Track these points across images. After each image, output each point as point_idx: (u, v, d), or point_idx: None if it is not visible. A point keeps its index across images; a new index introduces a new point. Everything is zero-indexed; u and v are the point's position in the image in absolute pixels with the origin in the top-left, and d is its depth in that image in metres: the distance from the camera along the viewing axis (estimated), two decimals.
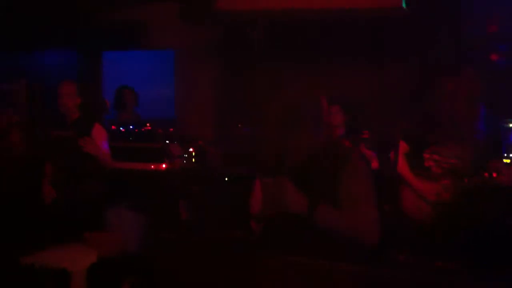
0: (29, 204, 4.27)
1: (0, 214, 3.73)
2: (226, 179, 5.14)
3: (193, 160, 5.27)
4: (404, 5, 4.82)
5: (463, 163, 3.55)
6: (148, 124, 5.20)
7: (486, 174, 3.52)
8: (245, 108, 5.89)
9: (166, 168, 4.98)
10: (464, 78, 3.57)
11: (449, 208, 3.50)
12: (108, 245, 2.43)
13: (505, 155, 4.06)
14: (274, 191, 2.30)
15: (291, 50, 5.86)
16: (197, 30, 5.85)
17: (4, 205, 4.10)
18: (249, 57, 5.90)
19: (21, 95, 5.55)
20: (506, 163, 3.89)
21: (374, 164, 4.93)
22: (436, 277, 1.93)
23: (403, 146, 3.83)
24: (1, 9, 5.00)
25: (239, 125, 5.74)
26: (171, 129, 5.32)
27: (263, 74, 5.97)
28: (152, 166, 4.95)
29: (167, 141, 5.18)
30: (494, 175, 3.50)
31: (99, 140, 4.34)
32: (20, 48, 5.69)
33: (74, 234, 2.94)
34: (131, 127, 5.17)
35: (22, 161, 4.70)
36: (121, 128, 5.17)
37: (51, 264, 2.11)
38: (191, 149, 5.28)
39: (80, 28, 5.71)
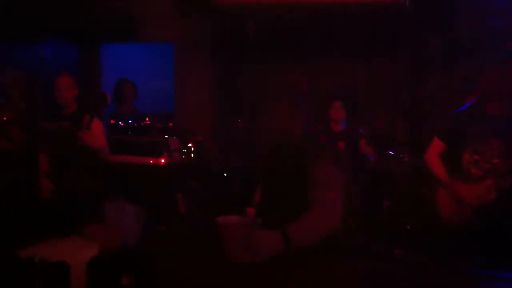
0: (26, 198, 4.24)
1: None
2: (226, 174, 5.12)
3: (192, 154, 5.24)
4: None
5: (504, 163, 3.38)
6: (147, 119, 5.17)
7: None
8: (244, 102, 5.87)
9: (165, 162, 4.95)
10: (503, 75, 3.42)
11: (492, 211, 3.30)
12: (107, 239, 2.41)
13: None
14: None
15: (290, 43, 5.83)
16: (196, 23, 5.81)
17: (2, 199, 4.08)
18: (248, 51, 5.87)
19: (17, 88, 5.51)
20: None
21: (374, 160, 4.92)
22: None
23: (438, 145, 3.58)
24: (3, 2, 4.96)
25: (239, 120, 5.72)
26: (170, 124, 5.29)
27: (261, 68, 5.95)
28: (151, 161, 4.92)
29: (166, 136, 5.15)
30: None
31: (97, 133, 4.31)
32: (17, 40, 5.64)
33: (73, 228, 2.92)
34: (130, 121, 5.15)
35: (19, 155, 4.67)
36: (120, 122, 5.14)
37: (51, 257, 2.08)
38: (190, 144, 5.25)
39: (78, 21, 5.66)
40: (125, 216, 2.84)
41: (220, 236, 2.49)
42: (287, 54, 5.89)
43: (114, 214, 2.84)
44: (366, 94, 5.72)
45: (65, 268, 2.08)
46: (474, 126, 3.42)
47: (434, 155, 3.57)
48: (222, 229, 2.43)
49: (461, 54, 5.19)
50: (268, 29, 5.49)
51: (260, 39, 5.45)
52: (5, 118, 4.59)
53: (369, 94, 5.73)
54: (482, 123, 3.41)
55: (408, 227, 3.84)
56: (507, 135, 3.39)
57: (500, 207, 3.28)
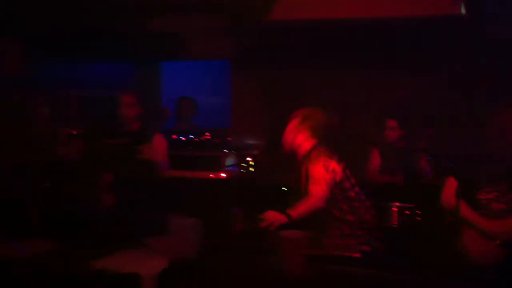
0: (89, 211, 4.39)
1: (63, 222, 3.84)
2: (284, 188, 5.14)
3: (250, 169, 5.31)
4: (463, 11, 4.71)
5: None
6: (207, 133, 5.28)
7: None
8: None
9: (224, 177, 5.03)
10: None
11: None
12: (172, 251, 2.49)
13: None
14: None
15: (343, 59, 5.85)
16: (251, 39, 5.90)
17: (66, 212, 4.23)
18: (301, 66, 5.92)
19: (81, 105, 5.71)
20: None
21: (428, 175, 4.80)
22: None
23: (453, 184, 3.44)
24: (62, 21, 5.15)
25: None
26: (229, 139, 5.38)
27: (315, 83, 5.99)
28: (211, 175, 5.01)
29: (225, 150, 5.24)
30: None
31: (160, 149, 4.44)
32: (81, 59, 5.85)
33: (138, 240, 3.01)
34: (190, 136, 5.27)
35: (81, 170, 4.83)
36: (181, 137, 5.27)
37: (123, 268, 2.16)
38: (248, 158, 5.32)
39: (139, 40, 5.85)
40: (188, 229, 2.92)
41: (282, 249, 2.52)
42: (341, 69, 5.92)
43: (177, 227, 2.92)
44: (419, 107, 5.67)
45: (137, 279, 2.15)
46: (491, 163, 3.31)
47: (451, 195, 3.42)
48: (285, 243, 2.46)
49: None
50: (321, 44, 5.53)
51: (313, 55, 5.50)
52: (74, 133, 4.78)
53: (422, 108, 5.67)
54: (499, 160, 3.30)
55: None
56: None
57: None
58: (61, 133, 4.77)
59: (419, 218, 4.27)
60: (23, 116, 2.94)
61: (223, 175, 4.98)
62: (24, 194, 2.39)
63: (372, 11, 4.80)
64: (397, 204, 4.34)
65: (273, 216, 3.32)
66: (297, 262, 2.41)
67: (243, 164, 5.31)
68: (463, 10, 4.68)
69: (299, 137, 3.69)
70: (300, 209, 3.43)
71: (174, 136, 5.30)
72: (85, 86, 5.70)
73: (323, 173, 3.49)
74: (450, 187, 3.45)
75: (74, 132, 4.88)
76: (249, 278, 2.67)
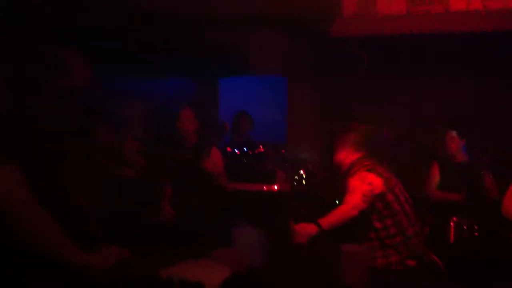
0: (151, 222, 4.53)
1: (127, 232, 3.98)
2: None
3: (303, 182, 5.35)
4: None
5: None
6: (261, 146, 5.38)
7: None
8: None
9: (277, 189, 5.10)
10: None
11: None
12: (236, 262, 2.56)
13: None
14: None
15: (401, 74, 5.85)
16: (308, 54, 5.99)
17: (130, 223, 4.37)
18: (358, 82, 5.94)
19: (139, 119, 5.88)
20: None
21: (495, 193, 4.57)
22: None
23: None
24: (125, 34, 5.35)
25: None
26: (283, 151, 5.46)
27: (371, 99, 6.00)
28: (265, 187, 5.09)
29: (279, 163, 5.32)
30: None
31: (216, 161, 4.57)
32: (139, 74, 6.06)
33: (201, 251, 3.10)
34: (245, 149, 5.38)
35: (141, 182, 4.98)
36: (236, 150, 5.38)
37: (188, 278, 2.26)
38: (301, 171, 5.37)
39: (197, 56, 6.01)
40: (252, 240, 2.99)
41: (341, 263, 2.55)
42: (399, 84, 5.92)
43: (241, 238, 3.00)
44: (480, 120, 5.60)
45: None
46: None
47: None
48: (346, 257, 2.49)
49: None
50: (379, 60, 5.56)
51: (371, 70, 5.52)
52: (131, 147, 4.95)
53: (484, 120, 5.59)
54: None
55: None
56: None
57: None
58: (125, 145, 4.96)
59: (477, 234, 4.21)
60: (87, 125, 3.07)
61: (275, 187, 5.05)
62: (89, 204, 2.52)
63: (433, 25, 4.82)
64: (454, 219, 4.28)
65: (302, 229, 3.32)
66: (359, 275, 2.45)
67: (296, 177, 5.36)
68: None
69: (343, 151, 3.72)
70: (331, 218, 3.41)
71: (229, 149, 5.41)
72: (144, 100, 5.89)
73: (358, 184, 3.48)
74: (511, 196, 3.42)
75: (137, 145, 5.05)
76: None
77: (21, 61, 2.20)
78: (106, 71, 4.92)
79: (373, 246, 3.52)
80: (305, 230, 3.31)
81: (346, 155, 3.70)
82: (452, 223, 4.21)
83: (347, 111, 5.98)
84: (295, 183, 5.33)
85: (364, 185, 3.47)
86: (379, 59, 5.59)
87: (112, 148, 4.14)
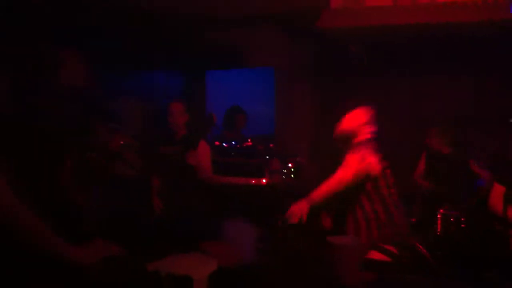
0: (141, 216, 4.52)
1: (118, 227, 3.97)
2: None
3: (292, 175, 5.34)
4: None
5: None
6: (249, 140, 5.36)
7: None
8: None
9: (266, 183, 5.09)
10: None
11: None
12: (225, 255, 2.56)
13: None
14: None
15: (391, 66, 5.85)
16: (297, 47, 5.97)
17: (121, 217, 4.36)
18: (348, 75, 5.94)
19: (130, 114, 5.86)
20: None
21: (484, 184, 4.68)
22: None
23: (499, 189, 3.49)
24: (120, 34, 5.32)
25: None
26: (271, 145, 5.44)
27: (361, 92, 5.99)
28: (253, 181, 5.08)
29: (267, 157, 5.30)
30: None
31: (204, 155, 4.55)
32: (130, 69, 6.03)
33: (189, 244, 3.09)
34: (233, 142, 5.36)
35: (134, 178, 4.96)
36: (224, 144, 5.37)
37: (175, 271, 2.25)
38: (290, 165, 5.36)
39: (186, 50, 5.99)
40: (241, 234, 2.98)
41: (331, 256, 2.55)
42: (389, 77, 5.92)
43: (229, 231, 2.99)
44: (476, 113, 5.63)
45: (189, 281, 2.23)
46: None
47: (498, 200, 3.45)
48: (335, 249, 2.49)
49: None
50: (369, 52, 5.55)
51: (360, 63, 5.52)
52: (122, 142, 4.92)
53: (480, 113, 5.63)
54: None
55: None
56: None
57: None
58: (118, 141, 4.93)
59: (463, 226, 4.23)
60: (86, 124, 3.06)
61: (264, 181, 5.04)
62: (81, 199, 2.50)
63: (420, 17, 4.82)
64: (441, 211, 4.31)
65: (296, 208, 3.29)
66: (351, 269, 2.44)
67: (285, 171, 5.35)
68: None
69: (354, 128, 3.57)
70: (320, 190, 3.37)
71: (217, 143, 5.39)
72: (136, 95, 5.88)
73: (356, 162, 3.39)
74: (497, 193, 3.42)
75: (124, 141, 5.02)
76: (301, 285, 2.71)
77: (21, 61, 2.19)
78: (106, 71, 4.91)
79: (359, 227, 3.49)
80: (299, 207, 3.27)
81: (356, 133, 3.55)
82: (439, 215, 4.26)
83: (334, 105, 5.96)
84: (283, 177, 5.32)
85: (362, 164, 3.40)
86: (370, 52, 5.59)
87: (112, 148, 4.13)
